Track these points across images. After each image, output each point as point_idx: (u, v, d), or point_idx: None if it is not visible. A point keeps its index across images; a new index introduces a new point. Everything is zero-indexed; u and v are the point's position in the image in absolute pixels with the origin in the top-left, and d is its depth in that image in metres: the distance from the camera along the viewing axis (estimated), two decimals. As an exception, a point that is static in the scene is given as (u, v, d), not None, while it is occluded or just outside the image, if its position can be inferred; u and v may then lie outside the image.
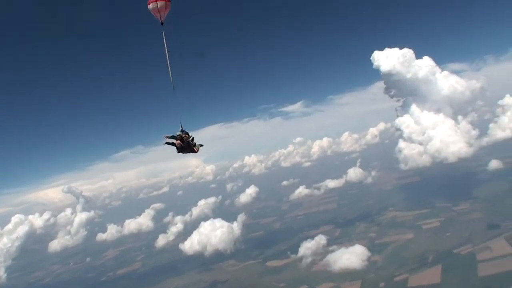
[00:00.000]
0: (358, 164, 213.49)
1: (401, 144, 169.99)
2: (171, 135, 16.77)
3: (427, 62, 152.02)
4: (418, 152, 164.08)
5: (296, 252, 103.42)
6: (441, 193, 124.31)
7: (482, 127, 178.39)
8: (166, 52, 16.04)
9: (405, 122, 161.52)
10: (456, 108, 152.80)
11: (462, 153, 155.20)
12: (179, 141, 16.49)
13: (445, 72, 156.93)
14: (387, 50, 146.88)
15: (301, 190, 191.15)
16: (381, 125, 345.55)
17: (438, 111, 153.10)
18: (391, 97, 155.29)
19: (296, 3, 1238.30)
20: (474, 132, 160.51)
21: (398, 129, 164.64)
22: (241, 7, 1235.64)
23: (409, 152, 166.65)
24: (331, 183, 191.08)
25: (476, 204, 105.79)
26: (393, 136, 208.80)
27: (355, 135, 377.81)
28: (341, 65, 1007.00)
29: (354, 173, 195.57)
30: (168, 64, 16.10)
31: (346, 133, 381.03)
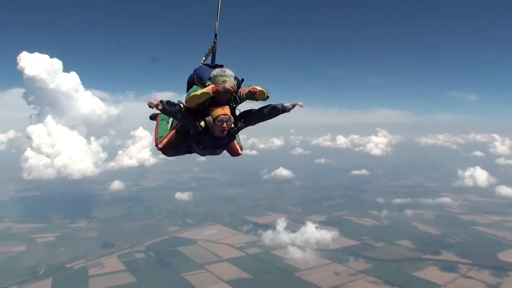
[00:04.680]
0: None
1: (28, 153, 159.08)
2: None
3: (73, 77, 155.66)
4: (45, 164, 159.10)
5: None
6: (60, 209, 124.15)
7: (111, 152, 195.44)
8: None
9: (37, 131, 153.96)
10: (91, 129, 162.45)
11: (88, 172, 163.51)
12: (228, 86, 6.58)
13: (88, 92, 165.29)
14: (37, 55, 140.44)
15: None
16: (11, 133, 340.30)
17: (73, 127, 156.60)
18: (29, 103, 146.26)
19: None
20: (103, 155, 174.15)
21: (29, 137, 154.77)
22: None
23: (35, 162, 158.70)
24: None
25: (93, 224, 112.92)
26: (22, 147, 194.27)
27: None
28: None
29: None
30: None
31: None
